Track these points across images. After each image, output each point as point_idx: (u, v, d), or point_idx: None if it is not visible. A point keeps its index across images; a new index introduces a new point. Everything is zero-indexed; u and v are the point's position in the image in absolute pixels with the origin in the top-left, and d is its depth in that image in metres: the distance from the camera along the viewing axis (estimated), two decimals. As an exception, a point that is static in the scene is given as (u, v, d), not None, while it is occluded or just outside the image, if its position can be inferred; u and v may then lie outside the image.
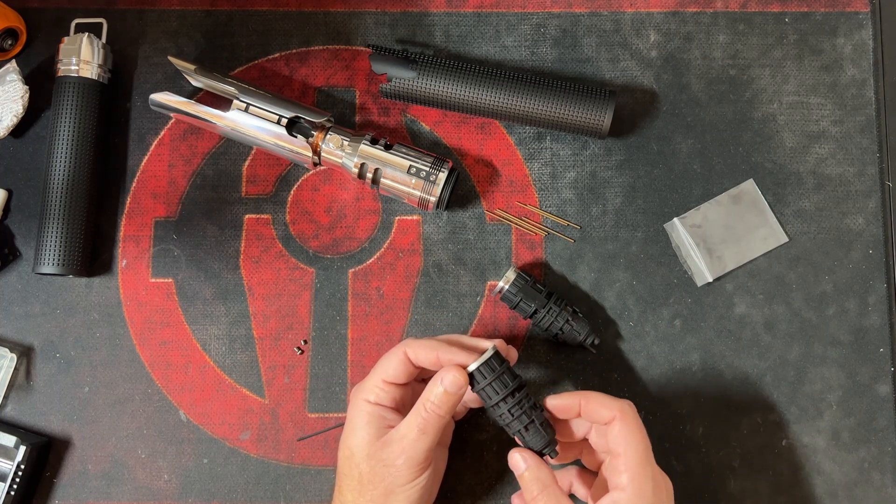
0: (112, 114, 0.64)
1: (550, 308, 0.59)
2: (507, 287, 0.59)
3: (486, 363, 0.52)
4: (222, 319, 0.62)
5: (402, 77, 0.60)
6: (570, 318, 0.59)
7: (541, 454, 0.52)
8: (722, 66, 0.64)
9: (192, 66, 0.61)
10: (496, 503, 0.60)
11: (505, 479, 0.60)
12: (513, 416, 0.52)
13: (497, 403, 0.52)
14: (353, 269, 0.63)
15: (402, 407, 0.55)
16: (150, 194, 0.63)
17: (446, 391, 0.52)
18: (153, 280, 0.62)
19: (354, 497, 0.52)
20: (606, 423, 0.51)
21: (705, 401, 0.61)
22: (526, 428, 0.52)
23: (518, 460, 0.52)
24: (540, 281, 0.61)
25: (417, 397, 0.56)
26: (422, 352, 0.53)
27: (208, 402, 0.61)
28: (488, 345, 0.53)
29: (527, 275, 0.60)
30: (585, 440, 0.55)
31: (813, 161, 0.63)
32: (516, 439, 0.53)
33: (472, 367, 0.52)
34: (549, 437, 0.52)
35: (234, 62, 0.65)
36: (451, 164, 0.60)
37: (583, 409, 0.52)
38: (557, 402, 0.53)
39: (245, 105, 0.60)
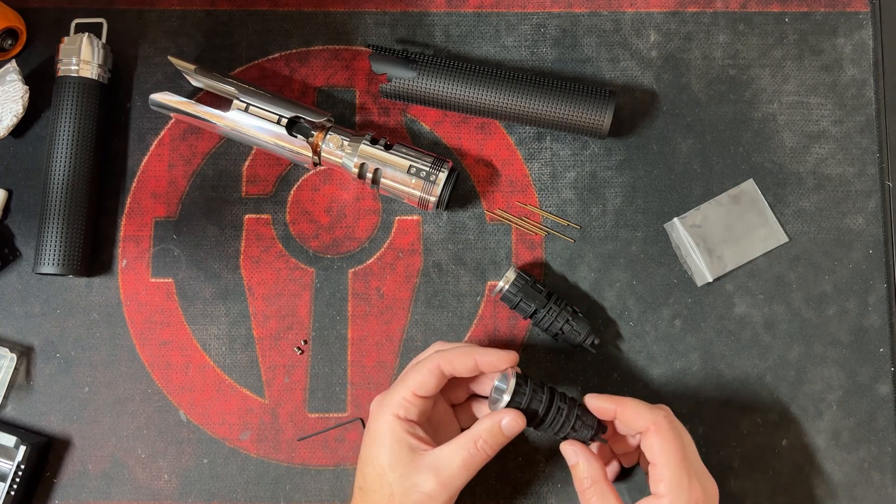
0: (112, 114, 0.64)
1: (550, 308, 0.59)
2: (507, 287, 0.59)
3: (516, 388, 0.52)
4: (222, 319, 0.62)
5: (402, 77, 0.60)
6: (570, 318, 0.59)
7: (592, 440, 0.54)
8: (722, 66, 0.64)
9: (192, 66, 0.61)
10: (496, 503, 0.60)
11: (505, 478, 0.60)
12: (560, 421, 0.53)
13: (543, 417, 0.52)
14: (353, 269, 0.63)
15: (426, 420, 0.54)
16: (150, 194, 0.63)
17: (503, 433, 0.51)
18: (153, 280, 0.62)
19: None
20: (642, 433, 0.52)
21: (705, 401, 0.61)
22: (574, 428, 0.53)
23: (570, 453, 0.53)
24: (540, 281, 0.61)
25: (440, 409, 0.56)
26: (458, 360, 0.52)
27: (208, 402, 0.61)
28: (503, 364, 0.52)
29: (527, 275, 0.60)
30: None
31: (813, 161, 0.63)
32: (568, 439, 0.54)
33: (506, 402, 0.51)
34: (596, 425, 0.54)
35: (234, 62, 0.65)
36: (451, 164, 0.60)
37: (618, 416, 0.53)
38: (594, 403, 0.54)
39: (245, 105, 0.60)
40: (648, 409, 0.52)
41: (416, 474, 0.51)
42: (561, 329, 0.59)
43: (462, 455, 0.51)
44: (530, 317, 0.60)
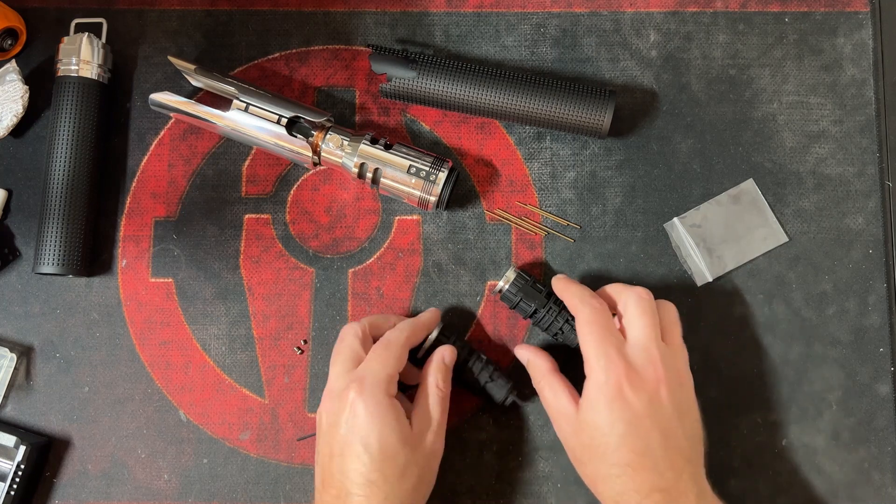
0: (112, 114, 0.64)
1: (550, 308, 0.59)
2: (506, 287, 0.59)
3: (442, 330, 0.60)
4: (222, 319, 0.62)
5: (402, 77, 0.60)
6: (569, 318, 0.59)
7: (503, 403, 0.59)
8: (722, 65, 0.64)
9: (192, 66, 0.61)
10: (496, 503, 0.60)
11: (505, 478, 0.60)
12: (479, 368, 0.59)
13: (466, 360, 0.59)
14: (353, 269, 0.63)
15: None
16: (150, 194, 0.63)
17: (444, 363, 0.57)
18: (153, 280, 0.62)
19: (413, 486, 0.53)
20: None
21: (705, 401, 0.61)
22: (491, 378, 0.59)
23: (522, 353, 0.59)
24: (540, 281, 0.61)
25: None
26: (420, 332, 0.58)
27: (208, 402, 0.61)
28: (437, 318, 0.60)
29: (527, 275, 0.60)
30: None
31: (813, 161, 0.63)
32: (487, 388, 0.59)
33: (433, 337, 0.59)
34: (509, 386, 0.59)
35: (234, 62, 0.65)
36: (450, 164, 0.60)
37: (563, 299, 0.58)
38: (554, 282, 0.59)
39: (245, 105, 0.60)
40: (580, 297, 0.56)
41: (422, 438, 0.54)
42: (560, 329, 0.59)
43: (437, 403, 0.55)
44: (530, 317, 0.60)
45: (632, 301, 0.55)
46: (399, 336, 0.56)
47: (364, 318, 0.58)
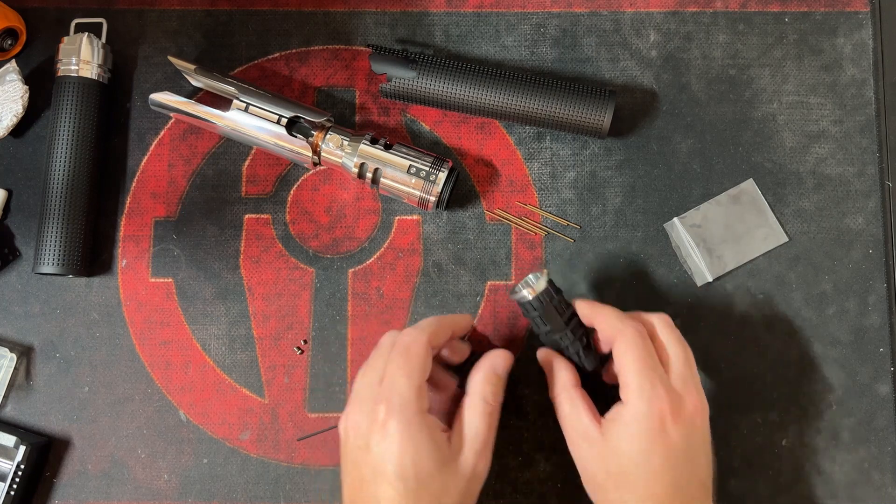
0: (112, 114, 0.64)
1: (570, 330, 0.54)
2: (530, 298, 0.54)
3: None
4: (222, 319, 0.62)
5: (402, 77, 0.60)
6: (584, 347, 0.54)
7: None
8: (722, 65, 0.64)
9: (192, 66, 0.61)
10: (496, 503, 0.60)
11: (505, 478, 0.60)
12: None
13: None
14: (353, 269, 0.63)
15: None
16: (149, 194, 0.63)
17: (496, 373, 0.52)
18: (153, 280, 0.62)
19: None
20: (613, 342, 0.52)
21: (705, 401, 0.61)
22: None
23: (549, 360, 0.55)
24: (565, 300, 0.55)
25: None
26: (441, 334, 0.52)
27: (208, 402, 0.61)
28: (469, 320, 0.56)
29: (556, 290, 0.54)
30: None
31: (813, 161, 0.63)
32: None
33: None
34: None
35: (234, 62, 0.65)
36: (450, 164, 0.60)
37: (593, 323, 0.54)
38: (581, 309, 0.55)
39: (245, 105, 0.60)
40: (618, 318, 0.52)
41: (458, 461, 0.49)
42: (575, 354, 0.55)
43: (482, 419, 0.50)
44: (544, 335, 0.55)
45: (662, 327, 0.53)
46: (419, 338, 0.50)
47: (426, 331, 0.51)
